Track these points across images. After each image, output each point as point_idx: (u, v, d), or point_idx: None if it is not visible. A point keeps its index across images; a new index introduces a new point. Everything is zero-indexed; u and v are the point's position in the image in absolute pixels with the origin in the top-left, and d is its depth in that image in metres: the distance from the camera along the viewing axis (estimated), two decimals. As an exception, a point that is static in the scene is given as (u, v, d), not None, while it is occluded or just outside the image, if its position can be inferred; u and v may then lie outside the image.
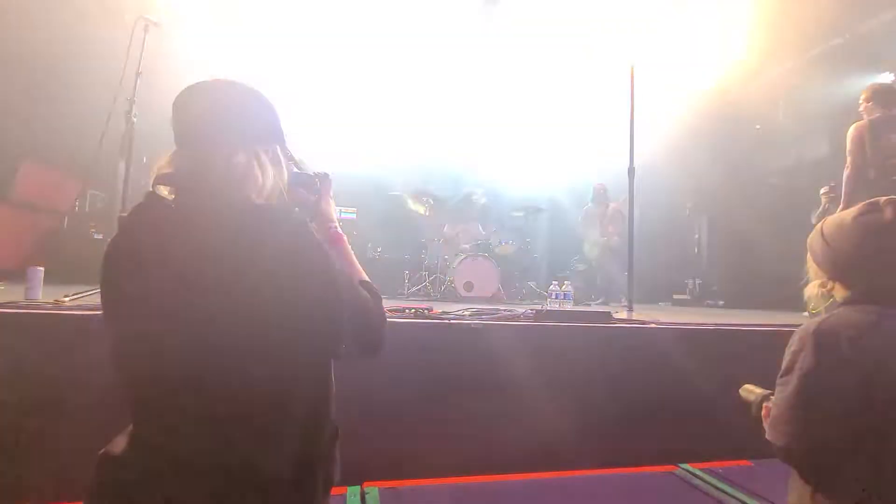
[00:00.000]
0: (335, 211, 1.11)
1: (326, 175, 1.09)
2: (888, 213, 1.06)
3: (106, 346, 0.80)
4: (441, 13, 5.18)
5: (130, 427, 0.80)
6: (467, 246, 5.39)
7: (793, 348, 1.06)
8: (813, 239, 1.21)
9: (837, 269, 1.12)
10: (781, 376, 1.08)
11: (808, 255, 1.23)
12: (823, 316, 1.09)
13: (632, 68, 3.47)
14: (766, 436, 1.10)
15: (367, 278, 0.97)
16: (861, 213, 1.09)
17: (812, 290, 1.20)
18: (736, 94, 6.02)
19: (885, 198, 1.08)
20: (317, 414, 0.84)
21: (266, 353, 0.74)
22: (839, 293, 1.14)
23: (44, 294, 2.09)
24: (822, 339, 1.01)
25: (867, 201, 1.10)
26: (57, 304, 1.90)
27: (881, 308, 1.04)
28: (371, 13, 5.08)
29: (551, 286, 3.30)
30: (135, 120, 2.58)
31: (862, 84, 3.65)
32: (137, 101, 2.61)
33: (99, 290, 0.82)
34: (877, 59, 5.21)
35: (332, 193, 1.11)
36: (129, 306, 0.79)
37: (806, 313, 1.21)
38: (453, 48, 5.60)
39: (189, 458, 0.74)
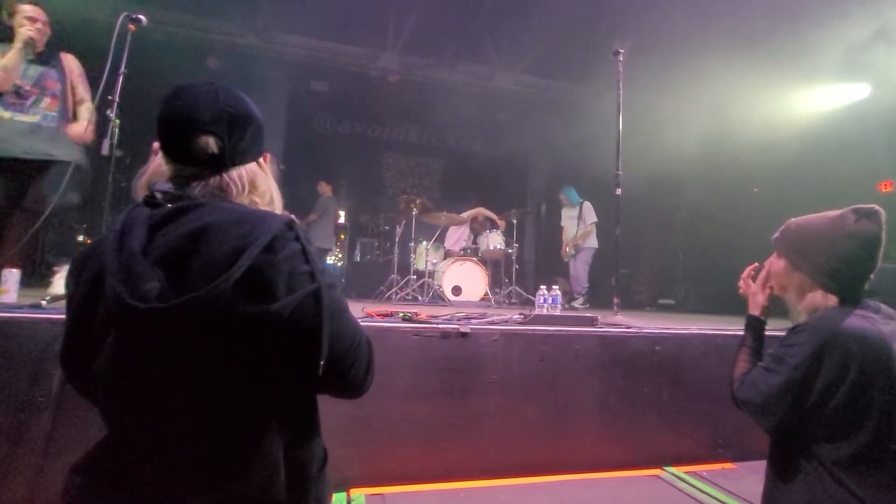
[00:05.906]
0: None
1: None
2: (875, 220, 1.08)
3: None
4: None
5: (106, 437, 0.76)
6: (456, 249, 5.38)
7: (798, 342, 1.07)
8: (788, 247, 1.21)
9: (823, 275, 1.13)
10: (768, 362, 1.13)
11: (780, 262, 1.23)
12: (819, 318, 1.10)
13: (619, 80, 3.49)
14: (737, 394, 1.19)
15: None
16: (852, 222, 1.10)
17: (790, 296, 1.22)
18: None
19: (865, 206, 1.09)
20: (305, 437, 0.81)
21: (246, 368, 0.71)
22: (815, 298, 1.15)
23: (19, 297, 2.03)
24: (825, 345, 1.03)
25: (849, 209, 1.11)
26: (34, 307, 1.84)
27: (854, 308, 1.07)
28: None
29: (539, 290, 3.30)
30: (117, 121, 2.51)
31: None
32: (119, 100, 2.53)
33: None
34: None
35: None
36: None
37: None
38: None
39: (168, 473, 0.70)
